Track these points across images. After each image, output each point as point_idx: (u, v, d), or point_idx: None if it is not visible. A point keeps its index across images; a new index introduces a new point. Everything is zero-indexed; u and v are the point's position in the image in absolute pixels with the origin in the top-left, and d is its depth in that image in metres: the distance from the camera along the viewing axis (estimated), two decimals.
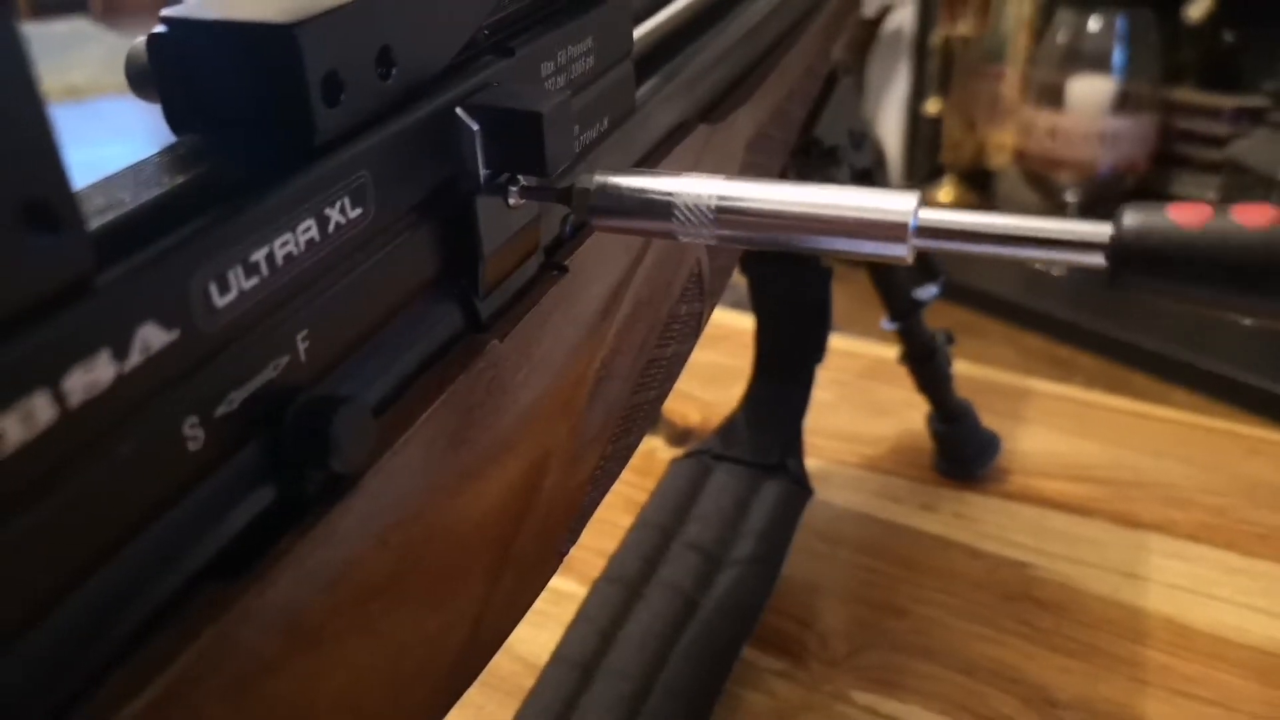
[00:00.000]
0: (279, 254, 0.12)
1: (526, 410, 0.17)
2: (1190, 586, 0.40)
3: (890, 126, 2.09)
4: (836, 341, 0.56)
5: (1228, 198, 1.56)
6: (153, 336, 0.11)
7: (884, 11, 1.96)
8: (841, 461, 0.47)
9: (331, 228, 0.13)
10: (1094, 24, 1.62)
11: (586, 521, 0.21)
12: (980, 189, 1.95)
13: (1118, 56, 1.62)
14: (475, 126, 0.15)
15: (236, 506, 0.12)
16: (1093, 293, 1.66)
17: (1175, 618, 0.38)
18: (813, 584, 0.39)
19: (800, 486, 0.39)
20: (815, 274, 0.40)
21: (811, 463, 0.43)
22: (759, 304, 0.41)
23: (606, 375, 0.20)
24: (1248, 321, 1.51)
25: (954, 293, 1.70)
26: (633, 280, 0.21)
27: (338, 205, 0.13)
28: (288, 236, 0.12)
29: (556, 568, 0.20)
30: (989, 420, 0.47)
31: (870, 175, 0.37)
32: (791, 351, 0.41)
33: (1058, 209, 1.74)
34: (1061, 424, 0.50)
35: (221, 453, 0.12)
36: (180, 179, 0.12)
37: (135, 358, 0.10)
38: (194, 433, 0.11)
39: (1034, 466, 0.46)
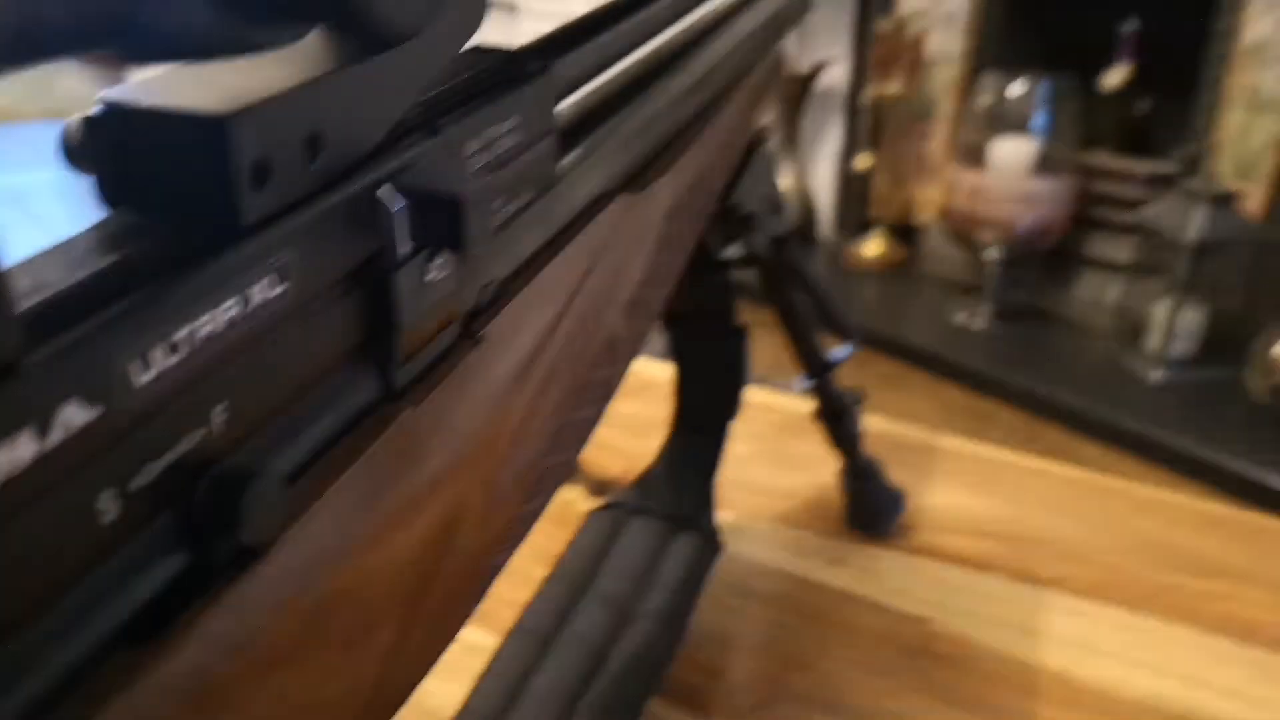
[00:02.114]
0: (201, 332, 0.13)
1: (439, 475, 0.18)
2: (1081, 641, 0.42)
3: (822, 180, 2.14)
4: (756, 395, 0.58)
5: (1139, 260, 1.64)
6: (74, 415, 0.11)
7: (817, 69, 2.02)
8: (755, 515, 0.48)
9: (254, 306, 0.14)
10: (1017, 89, 1.70)
11: (494, 580, 0.21)
12: (907, 243, 2.01)
13: (1039, 120, 1.69)
14: (398, 206, 0.16)
15: (147, 576, 0.13)
16: (1012, 347, 1.72)
17: (1065, 672, 0.40)
18: (722, 637, 0.40)
19: (712, 541, 0.40)
20: (732, 331, 0.41)
21: (726, 515, 0.45)
22: (678, 360, 0.42)
23: (519, 439, 0.21)
24: (1156, 378, 1.57)
25: (878, 344, 1.75)
26: (548, 347, 0.22)
27: (261, 284, 0.14)
28: (211, 315, 0.13)
29: (462, 626, 0.21)
30: (898, 475, 0.48)
31: (785, 242, 0.39)
32: (707, 407, 0.42)
33: (980, 265, 1.80)
34: (966, 480, 0.52)
35: (135, 524, 0.12)
36: (109, 259, 0.13)
37: (56, 435, 0.11)
38: (109, 505, 0.12)
39: (938, 522, 0.48)
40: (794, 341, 0.43)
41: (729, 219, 0.36)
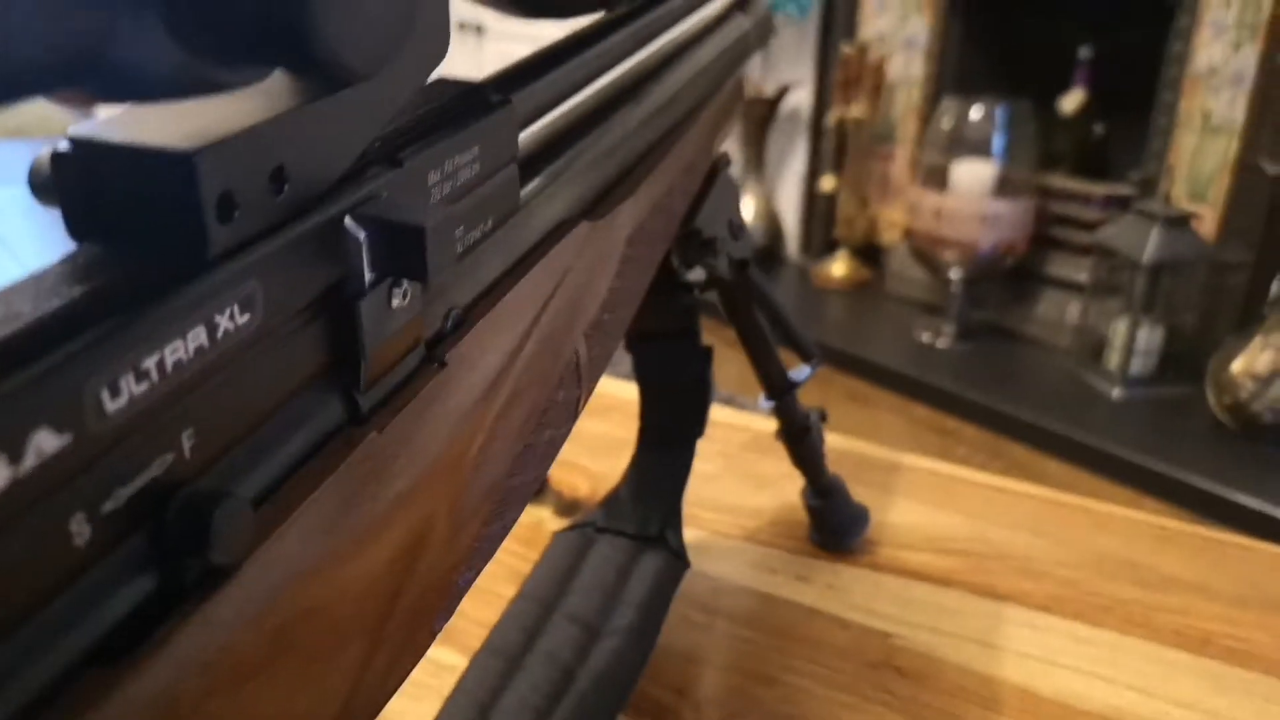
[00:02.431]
0: (169, 360, 0.13)
1: (403, 496, 0.18)
2: (1040, 655, 0.43)
3: (788, 201, 2.17)
4: (721, 414, 0.59)
5: (1097, 279, 1.67)
6: (46, 441, 0.11)
7: (782, 92, 2.05)
8: (722, 533, 0.49)
9: (220, 334, 0.14)
10: (976, 112, 1.73)
11: (460, 599, 0.22)
12: (872, 263, 2.04)
13: (998, 143, 1.72)
14: (362, 236, 0.17)
15: (118, 596, 0.13)
16: (976, 365, 1.74)
17: (1025, 685, 0.41)
18: (689, 654, 0.40)
19: (678, 559, 0.40)
20: (696, 352, 0.42)
21: (693, 534, 0.45)
22: (642, 380, 0.43)
23: (483, 461, 0.21)
24: (1116, 395, 1.60)
25: (845, 363, 1.77)
26: (512, 370, 0.22)
27: (227, 313, 0.14)
28: (178, 343, 0.13)
29: (429, 644, 0.21)
30: (860, 493, 0.49)
31: (747, 265, 0.40)
32: (673, 427, 0.43)
33: (943, 285, 1.82)
34: (928, 497, 0.53)
35: (106, 546, 0.13)
36: (79, 290, 0.13)
37: (29, 462, 0.11)
38: (80, 529, 0.12)
39: (901, 539, 0.49)
40: (755, 362, 0.43)
41: (691, 243, 0.37)
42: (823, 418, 0.46)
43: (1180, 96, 1.62)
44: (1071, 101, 1.79)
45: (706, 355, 0.42)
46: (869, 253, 2.04)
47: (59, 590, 0.12)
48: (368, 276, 0.17)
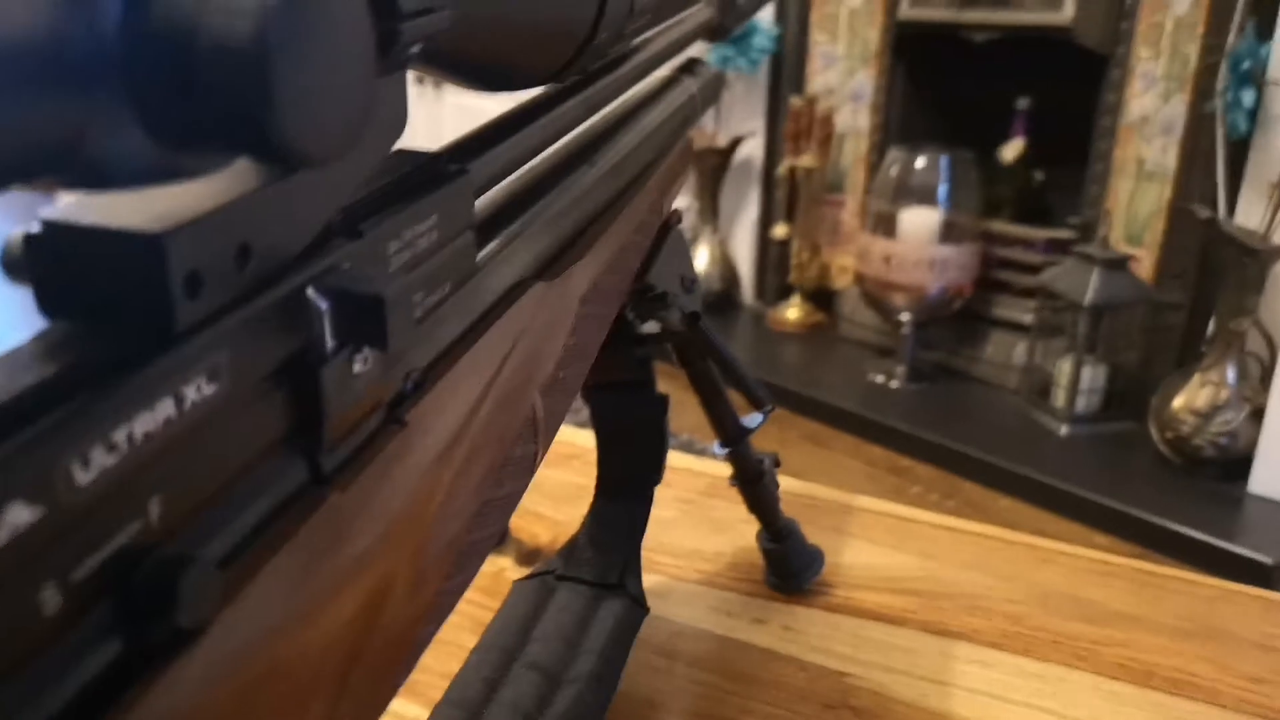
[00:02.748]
0: (138, 432, 0.14)
1: (366, 554, 0.19)
2: (990, 690, 0.44)
3: (742, 249, 2.20)
4: (679, 460, 0.60)
5: (1042, 321, 1.72)
6: (18, 515, 0.12)
7: (735, 143, 2.09)
8: (681, 578, 0.50)
9: (188, 405, 0.14)
10: (921, 162, 1.78)
11: (421, 653, 0.22)
12: (825, 307, 2.07)
13: (942, 191, 1.77)
14: (324, 306, 0.17)
15: (87, 661, 0.13)
16: (928, 405, 1.77)
17: None
18: (649, 698, 0.41)
19: (638, 605, 0.41)
20: (652, 401, 0.43)
21: (652, 579, 0.46)
22: (599, 430, 0.44)
23: (443, 518, 0.22)
24: (1063, 432, 1.64)
25: (802, 405, 1.79)
26: (470, 428, 0.23)
27: (194, 384, 0.15)
28: (147, 415, 0.14)
29: (391, 698, 0.21)
30: (815, 535, 0.50)
31: (699, 317, 0.41)
32: (631, 474, 0.44)
33: (894, 327, 1.86)
34: (880, 538, 0.54)
35: (75, 614, 0.13)
36: (51, 367, 0.13)
37: (2, 535, 0.11)
38: (51, 598, 0.12)
39: (855, 579, 0.50)
40: (709, 410, 0.44)
41: (645, 297, 0.38)
42: (776, 463, 0.47)
43: (1115, 145, 1.69)
44: (1011, 150, 1.85)
45: (662, 404, 0.43)
46: (821, 297, 2.08)
47: (28, 659, 0.12)
48: (329, 344, 0.17)
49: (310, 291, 0.17)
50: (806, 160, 1.96)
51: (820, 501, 0.57)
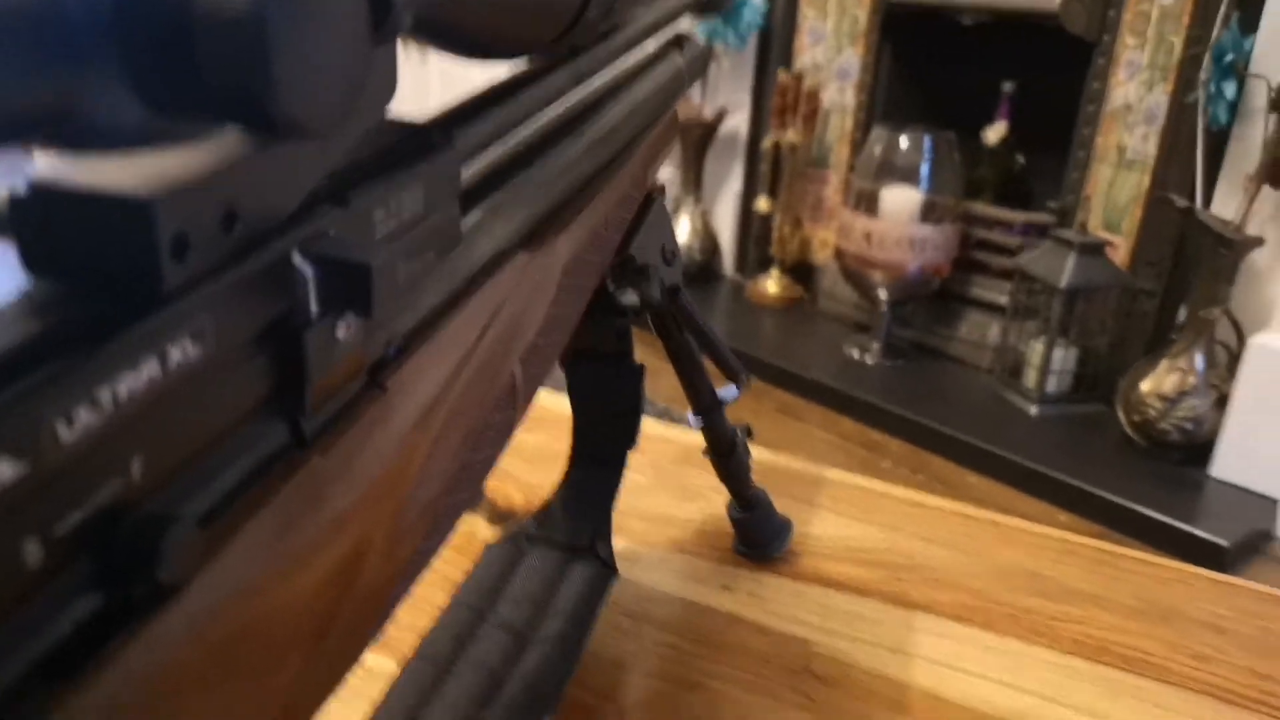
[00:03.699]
0: (122, 391, 0.14)
1: (344, 516, 0.20)
2: (948, 662, 0.45)
3: (724, 221, 2.21)
4: (653, 428, 0.60)
5: (1017, 302, 1.73)
6: (3, 469, 0.12)
7: (720, 115, 2.09)
8: (651, 543, 0.51)
9: (172, 365, 0.15)
10: (904, 141, 1.78)
11: (394, 610, 0.23)
12: (804, 281, 2.08)
13: (924, 171, 1.78)
14: (309, 272, 0.18)
15: (67, 614, 0.14)
16: (902, 382, 1.79)
17: (934, 690, 0.43)
18: (616, 660, 0.42)
19: (607, 568, 0.42)
20: (629, 371, 0.44)
21: (622, 543, 0.47)
22: (576, 398, 0.45)
23: (421, 481, 0.23)
24: (1033, 412, 1.66)
25: (778, 377, 1.80)
26: (449, 394, 0.24)
27: (179, 345, 0.15)
28: (131, 375, 0.14)
29: (364, 652, 0.22)
30: (784, 505, 0.51)
31: (679, 291, 0.42)
32: (605, 442, 0.45)
33: (871, 304, 1.87)
34: (847, 510, 0.55)
35: (57, 567, 0.13)
36: (37, 324, 0.14)
37: None
38: (33, 551, 0.13)
39: (822, 549, 0.51)
40: (685, 382, 0.45)
41: (626, 269, 0.38)
42: (748, 434, 0.48)
43: (1097, 132, 1.70)
44: (994, 133, 1.86)
45: (639, 374, 0.44)
46: (801, 271, 2.09)
47: (9, 610, 0.13)
48: (314, 310, 0.18)
49: (296, 257, 0.18)
50: (791, 135, 1.96)
51: (790, 472, 0.58)
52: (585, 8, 0.26)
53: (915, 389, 1.76)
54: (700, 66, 0.45)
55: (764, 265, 2.13)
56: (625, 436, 0.45)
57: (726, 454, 0.47)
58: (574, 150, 0.32)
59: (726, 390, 0.46)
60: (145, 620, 0.14)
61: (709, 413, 0.46)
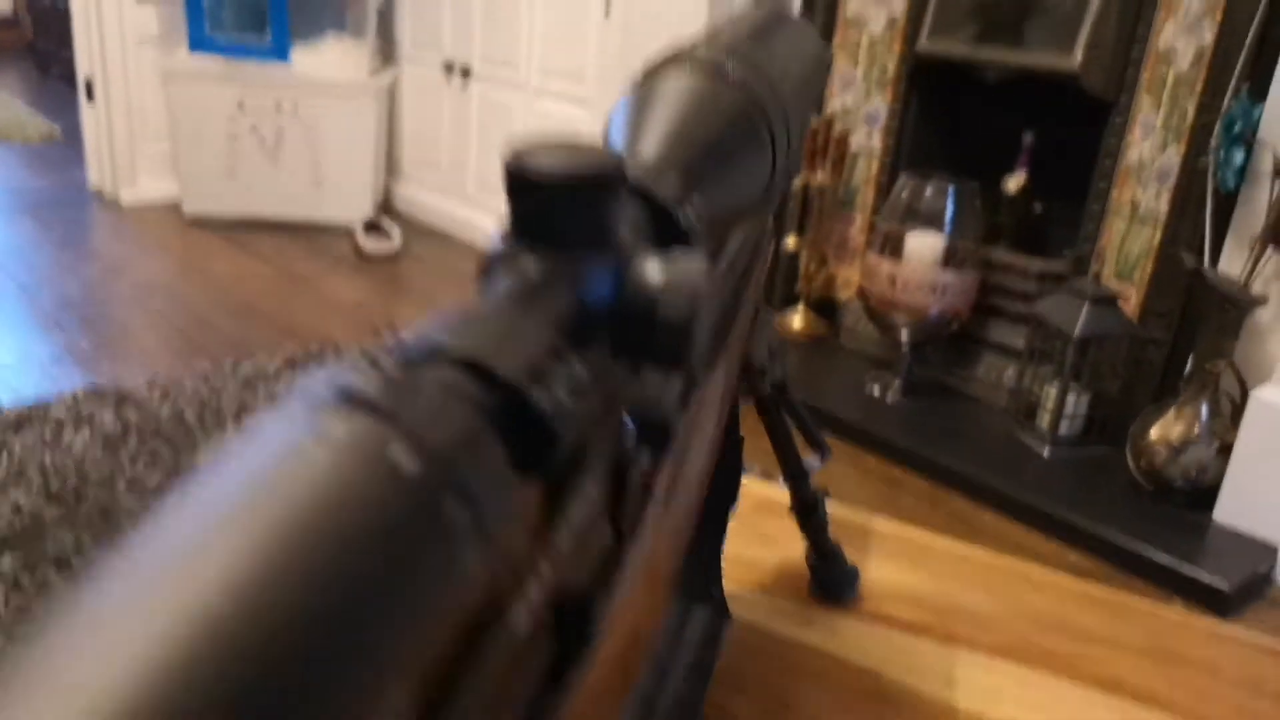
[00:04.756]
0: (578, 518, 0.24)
1: (633, 593, 0.29)
2: (989, 691, 0.55)
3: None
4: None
5: (1032, 347, 1.83)
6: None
7: None
8: (741, 583, 0.60)
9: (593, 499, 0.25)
10: (930, 189, 1.88)
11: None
12: (828, 317, 2.18)
13: (948, 217, 1.88)
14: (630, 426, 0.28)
15: (535, 670, 0.21)
16: (920, 420, 1.88)
17: (979, 714, 0.53)
18: (728, 682, 0.51)
19: (721, 609, 0.52)
20: (733, 442, 0.53)
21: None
22: None
23: (665, 557, 0.32)
24: (1046, 454, 1.76)
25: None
26: (680, 497, 0.33)
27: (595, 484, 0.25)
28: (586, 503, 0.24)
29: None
30: (849, 553, 0.61)
31: (785, 388, 0.51)
32: (714, 502, 0.54)
33: (893, 343, 1.97)
34: (902, 559, 0.65)
35: (534, 630, 0.21)
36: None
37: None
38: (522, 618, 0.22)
39: (882, 593, 0.61)
40: (779, 454, 0.55)
41: (745, 372, 0.48)
42: (826, 495, 0.58)
43: (1112, 186, 1.80)
44: (1014, 182, 1.96)
45: (740, 444, 0.54)
46: (825, 307, 2.19)
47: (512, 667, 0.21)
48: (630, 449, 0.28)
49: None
50: (821, 177, 2.06)
51: (846, 522, 0.67)
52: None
53: (934, 428, 1.85)
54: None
55: (790, 301, 2.22)
56: (729, 497, 0.54)
57: (810, 513, 0.57)
58: (732, 268, 0.41)
59: (811, 460, 0.56)
60: (577, 667, 0.22)
61: (797, 478, 0.55)
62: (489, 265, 0.23)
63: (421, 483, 0.14)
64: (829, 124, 2.06)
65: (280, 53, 2.88)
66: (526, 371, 0.18)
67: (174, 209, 2.94)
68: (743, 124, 0.35)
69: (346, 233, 2.89)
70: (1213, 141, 1.58)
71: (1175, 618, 0.62)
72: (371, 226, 2.93)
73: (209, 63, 2.83)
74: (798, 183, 2.11)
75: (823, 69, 0.49)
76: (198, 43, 2.83)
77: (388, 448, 0.14)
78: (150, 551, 0.12)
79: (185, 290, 2.43)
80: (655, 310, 0.23)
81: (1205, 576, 1.44)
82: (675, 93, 0.34)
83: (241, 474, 0.13)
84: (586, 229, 0.23)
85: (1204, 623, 0.62)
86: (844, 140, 2.07)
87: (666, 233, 0.27)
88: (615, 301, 0.23)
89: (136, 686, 0.10)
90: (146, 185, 3.01)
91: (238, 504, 0.12)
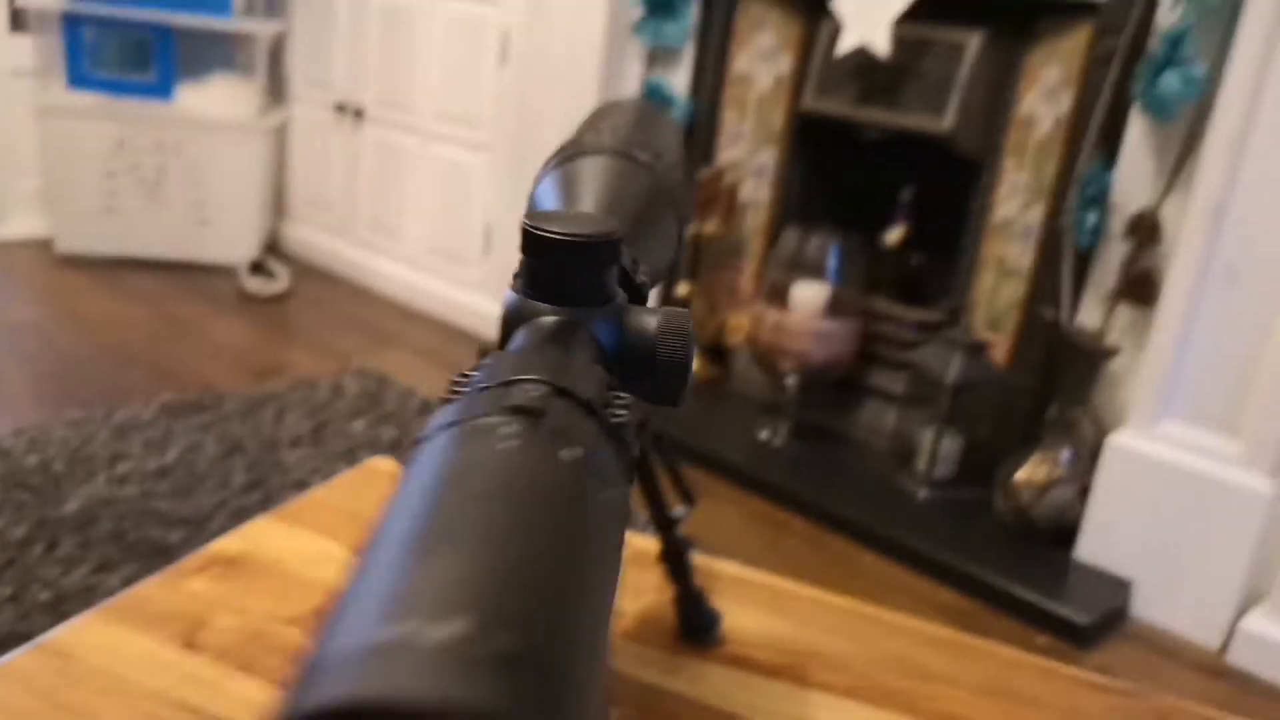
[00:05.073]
0: None
1: None
2: None
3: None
4: None
5: (910, 393, 1.92)
6: None
7: None
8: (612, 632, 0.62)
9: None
10: (815, 241, 1.97)
11: None
12: (720, 363, 2.24)
13: (832, 268, 1.96)
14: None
15: None
16: (805, 463, 1.95)
17: None
18: None
19: None
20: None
21: None
22: None
23: None
24: (921, 495, 1.84)
25: (691, 456, 1.93)
26: None
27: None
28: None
29: None
30: (715, 602, 0.64)
31: (663, 439, 0.54)
32: None
33: (780, 388, 2.03)
34: (761, 605, 0.68)
35: None
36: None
37: None
38: None
39: (745, 638, 0.64)
40: (650, 502, 0.58)
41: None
42: (693, 544, 0.60)
43: (983, 241, 1.91)
44: (894, 236, 2.06)
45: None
46: (716, 353, 2.24)
47: None
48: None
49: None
50: (711, 226, 2.13)
51: (716, 572, 0.71)
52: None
53: (818, 471, 1.92)
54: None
55: None
56: None
57: (677, 560, 0.59)
58: None
59: (678, 510, 0.59)
60: None
61: (665, 527, 0.58)
62: (509, 315, 0.28)
63: (585, 462, 0.20)
64: (719, 175, 2.13)
65: (164, 90, 2.82)
66: (598, 397, 0.23)
67: (45, 247, 2.83)
68: (660, 197, 0.40)
69: (230, 274, 2.83)
70: (1069, 202, 1.70)
71: (1010, 656, 0.67)
72: (257, 267, 2.87)
73: (88, 99, 2.75)
74: (689, 232, 2.17)
75: (683, 146, 0.53)
76: (77, 79, 2.75)
77: (554, 441, 0.20)
78: (433, 524, 0.17)
79: (56, 333, 2.33)
80: (655, 353, 0.27)
81: (1066, 611, 1.53)
82: (601, 173, 0.38)
83: (465, 468, 0.19)
84: (590, 284, 0.28)
85: (1038, 663, 0.67)
86: (734, 191, 2.14)
87: (626, 291, 0.31)
88: (618, 346, 0.27)
89: (482, 580, 0.15)
90: (16, 223, 2.90)
91: (482, 488, 0.18)
